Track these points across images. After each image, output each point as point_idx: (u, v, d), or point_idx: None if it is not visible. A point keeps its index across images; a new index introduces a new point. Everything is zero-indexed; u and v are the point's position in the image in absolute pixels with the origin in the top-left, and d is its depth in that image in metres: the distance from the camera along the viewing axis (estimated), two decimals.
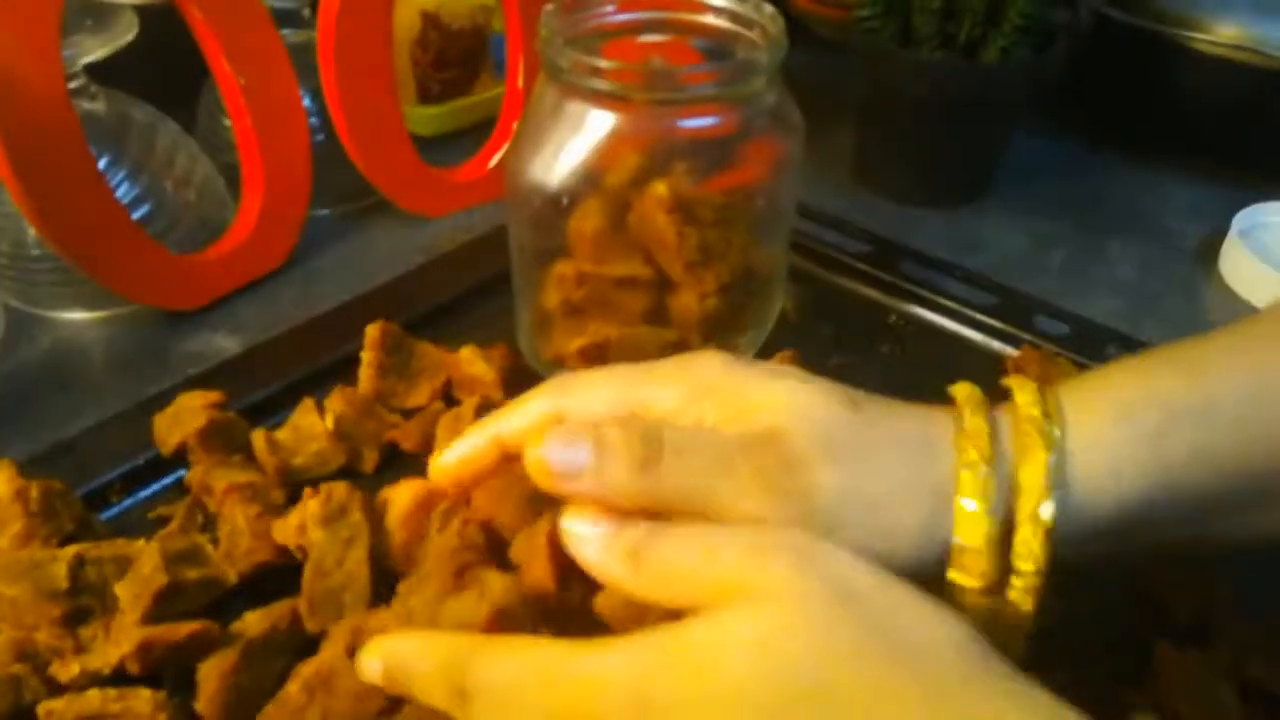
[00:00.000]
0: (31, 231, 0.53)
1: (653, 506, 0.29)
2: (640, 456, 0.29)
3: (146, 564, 0.36)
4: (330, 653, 0.34)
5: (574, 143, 0.45)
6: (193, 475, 0.42)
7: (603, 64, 0.43)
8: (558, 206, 0.45)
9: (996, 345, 0.53)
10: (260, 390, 0.48)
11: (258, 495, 0.40)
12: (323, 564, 0.37)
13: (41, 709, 0.33)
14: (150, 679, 0.35)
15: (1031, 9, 0.58)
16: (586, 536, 0.29)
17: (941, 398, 0.50)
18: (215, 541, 0.40)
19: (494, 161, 0.65)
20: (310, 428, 0.45)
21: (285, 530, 0.39)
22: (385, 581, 0.38)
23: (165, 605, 0.35)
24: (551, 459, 0.29)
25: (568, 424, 0.31)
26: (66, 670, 0.34)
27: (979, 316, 0.54)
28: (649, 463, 0.29)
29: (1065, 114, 0.76)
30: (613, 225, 0.45)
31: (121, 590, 0.36)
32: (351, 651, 0.34)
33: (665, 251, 0.46)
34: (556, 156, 0.45)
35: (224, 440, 0.44)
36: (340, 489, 0.38)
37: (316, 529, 0.38)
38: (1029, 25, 0.59)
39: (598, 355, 0.48)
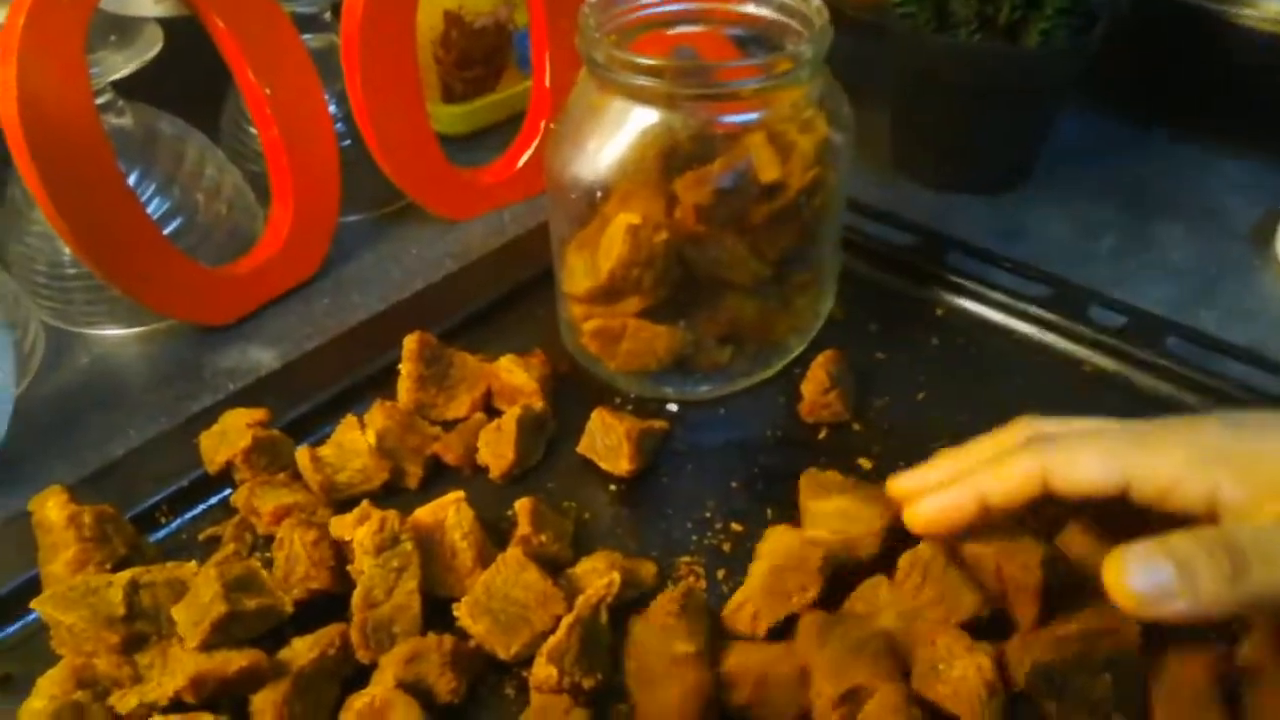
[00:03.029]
0: (66, 250, 0.52)
1: (1244, 612, 0.31)
2: (1228, 570, 0.29)
3: (205, 591, 0.36)
4: (382, 686, 0.34)
5: (615, 138, 0.44)
6: (238, 496, 0.42)
7: (643, 60, 0.42)
8: (599, 200, 0.45)
9: (1050, 338, 0.52)
10: (301, 405, 0.47)
11: (311, 521, 0.39)
12: (372, 594, 0.36)
13: None
14: (209, 704, 0.34)
15: None
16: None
17: (989, 392, 0.49)
18: (266, 562, 0.39)
19: (523, 161, 0.64)
20: (353, 444, 0.44)
21: (342, 526, 0.39)
22: (437, 610, 0.37)
23: (222, 634, 0.35)
24: (1137, 586, 0.30)
25: (1137, 547, 0.30)
26: (125, 703, 0.34)
27: (1030, 309, 0.52)
28: (1240, 572, 0.29)
29: (1109, 93, 0.74)
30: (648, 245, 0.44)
31: (179, 616, 0.36)
32: (402, 684, 0.34)
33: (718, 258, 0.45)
34: (599, 152, 0.44)
35: (269, 458, 0.44)
36: (392, 517, 0.38)
37: (366, 557, 0.37)
38: (1070, 6, 0.57)
39: (610, 338, 0.47)
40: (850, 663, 0.34)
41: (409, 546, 0.37)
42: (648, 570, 0.40)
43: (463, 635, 0.37)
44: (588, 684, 0.35)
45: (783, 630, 0.38)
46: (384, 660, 0.35)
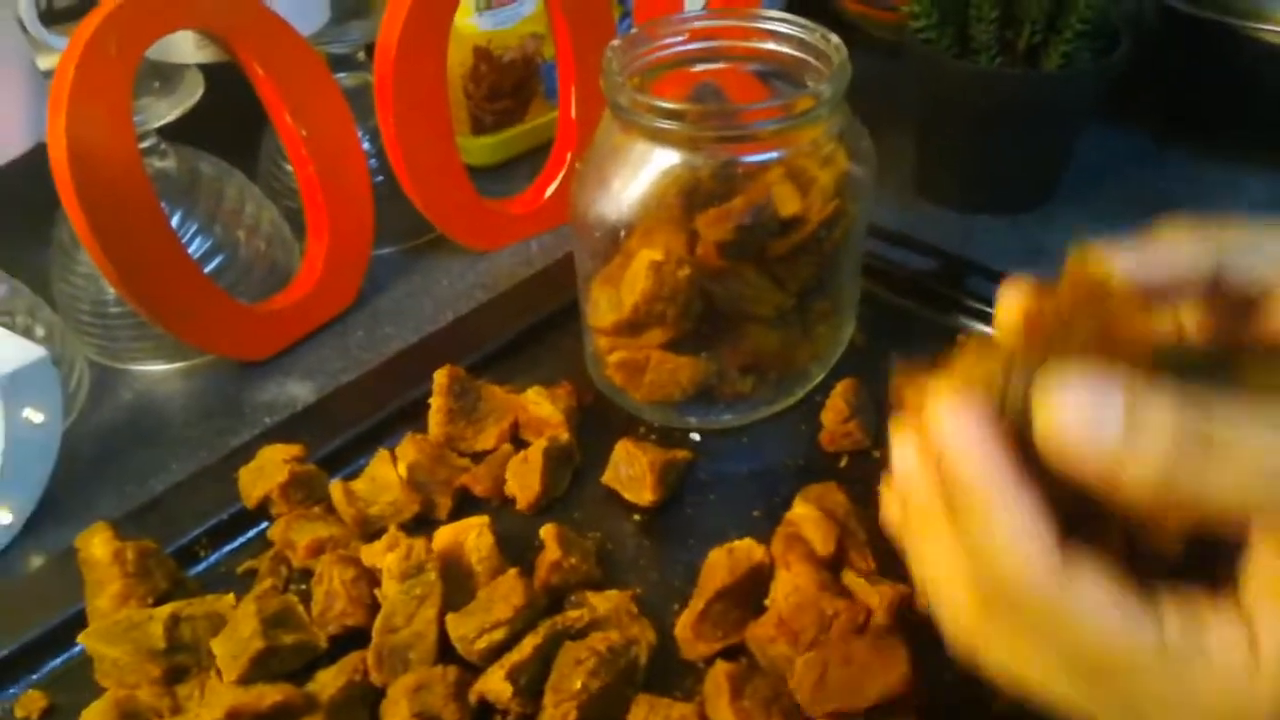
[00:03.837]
0: (110, 290, 0.54)
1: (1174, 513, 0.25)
2: (1190, 457, 0.22)
3: (244, 626, 0.37)
4: (397, 718, 0.35)
5: (638, 178, 0.45)
6: (275, 530, 0.44)
7: (665, 105, 0.43)
8: (622, 238, 0.46)
9: None
10: (335, 439, 0.49)
11: (350, 557, 0.40)
12: (393, 619, 0.38)
13: None
14: None
15: (1093, 13, 0.56)
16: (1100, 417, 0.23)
17: None
18: (301, 595, 0.41)
19: (549, 191, 0.66)
20: (385, 477, 0.46)
21: (372, 554, 0.41)
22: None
23: (260, 668, 0.36)
24: (1067, 408, 0.24)
25: (1099, 370, 0.24)
26: None
27: None
28: (1199, 471, 0.22)
29: (1131, 110, 0.74)
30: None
31: (219, 649, 0.37)
32: (418, 715, 0.35)
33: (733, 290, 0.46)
34: (622, 192, 0.45)
35: (305, 493, 0.45)
36: (419, 546, 0.39)
37: (391, 582, 0.39)
38: (1090, 29, 0.57)
39: (635, 370, 0.48)
40: (761, 718, 0.35)
41: (433, 576, 0.38)
42: (647, 638, 0.40)
43: (468, 667, 0.38)
44: (529, 710, 0.36)
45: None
46: (393, 690, 0.36)
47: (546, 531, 0.42)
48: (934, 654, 0.38)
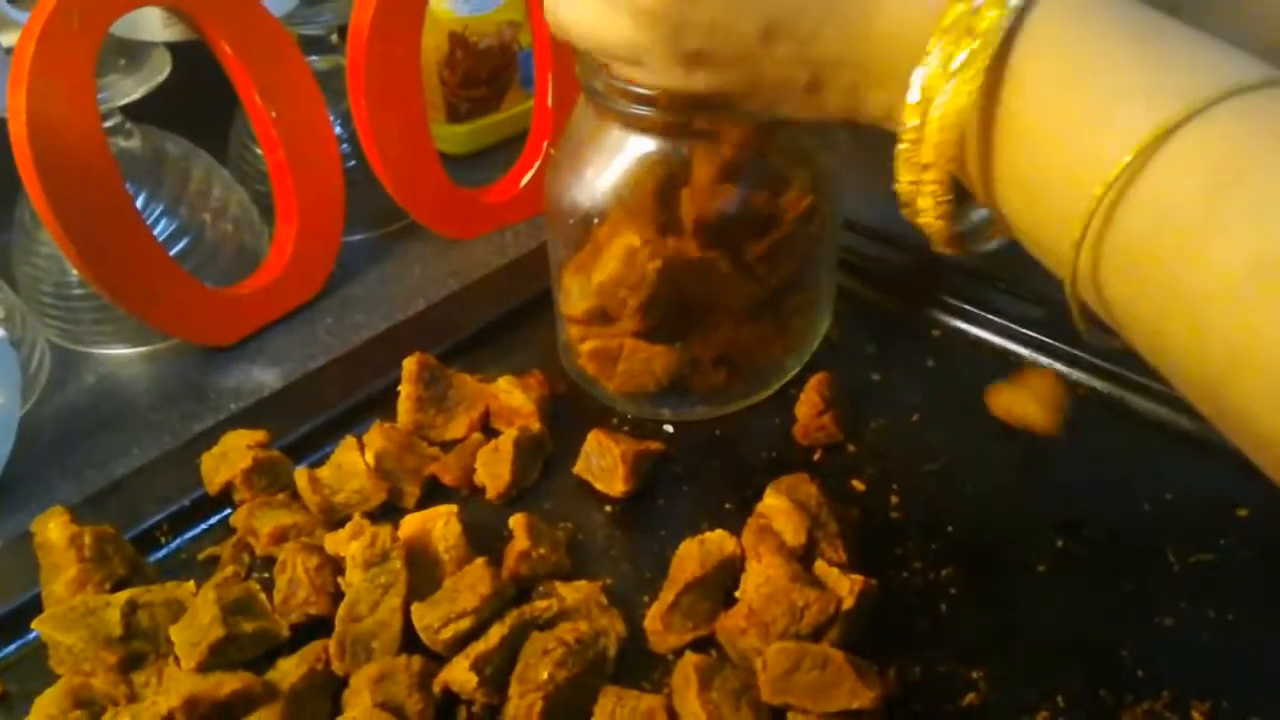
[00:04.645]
0: (73, 271, 0.53)
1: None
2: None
3: (204, 613, 0.36)
4: (361, 708, 0.34)
5: (612, 165, 0.44)
6: (238, 517, 0.43)
7: (641, 90, 0.42)
8: (595, 226, 0.45)
9: (1045, 360, 0.52)
10: (302, 426, 0.48)
11: (313, 545, 0.40)
12: (356, 608, 0.37)
13: None
14: None
15: None
16: None
17: (984, 414, 0.49)
18: (263, 583, 0.40)
19: (525, 180, 0.65)
20: (352, 465, 0.45)
21: (336, 541, 0.40)
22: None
23: (219, 656, 0.36)
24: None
25: None
26: None
27: (1025, 331, 0.53)
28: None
29: None
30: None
31: (177, 636, 0.37)
32: (381, 704, 0.34)
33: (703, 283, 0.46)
34: (596, 179, 0.45)
35: (269, 479, 0.44)
36: (384, 534, 0.38)
37: (355, 570, 0.38)
38: None
39: (607, 359, 0.48)
40: (730, 710, 0.35)
41: (398, 565, 0.38)
42: (616, 630, 0.39)
43: (433, 657, 0.37)
44: (494, 701, 0.36)
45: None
46: (355, 680, 0.36)
47: (516, 521, 0.42)
48: (905, 657, 0.38)
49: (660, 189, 0.44)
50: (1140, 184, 0.24)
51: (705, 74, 0.33)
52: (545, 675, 0.35)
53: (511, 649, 0.36)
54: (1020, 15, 0.26)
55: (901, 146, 0.29)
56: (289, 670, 0.36)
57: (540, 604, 0.39)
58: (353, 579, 0.38)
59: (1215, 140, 0.23)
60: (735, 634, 0.38)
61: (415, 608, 0.37)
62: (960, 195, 0.30)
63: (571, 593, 0.40)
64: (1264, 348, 0.22)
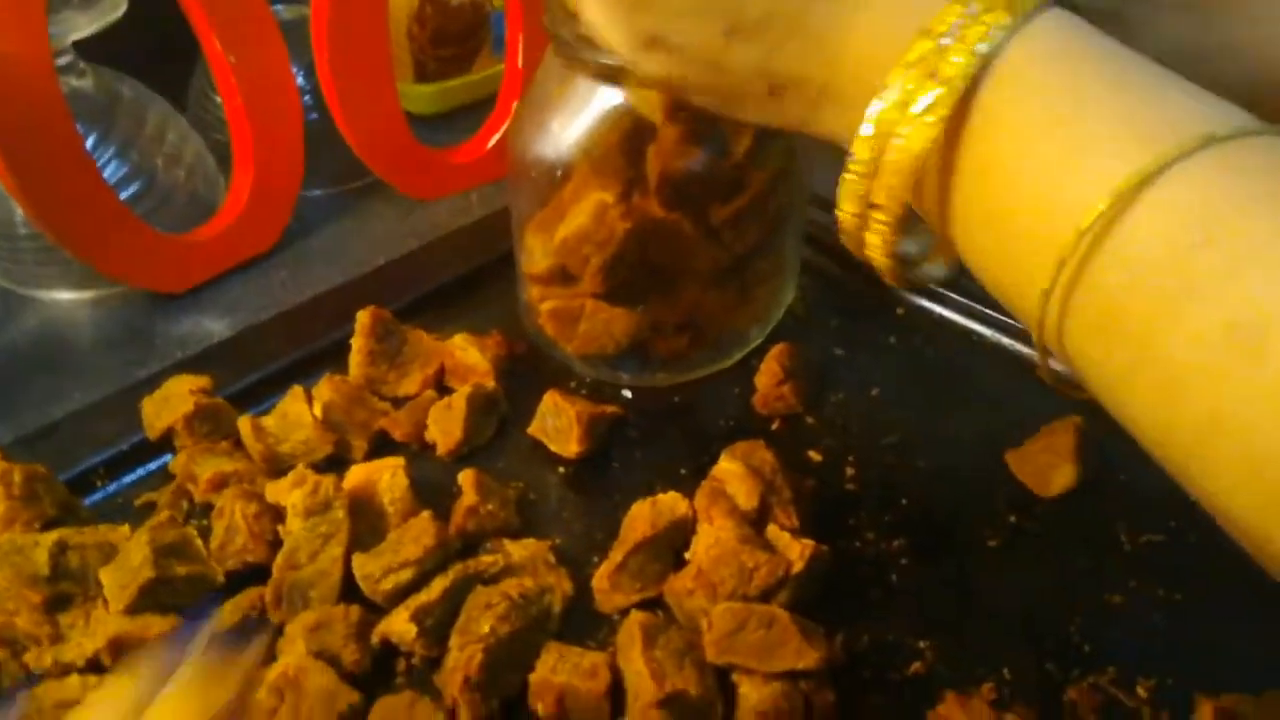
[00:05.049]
0: (19, 210, 0.51)
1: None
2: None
3: (135, 555, 0.35)
4: (295, 655, 0.33)
5: (578, 118, 0.43)
6: (177, 463, 0.42)
7: None
8: (559, 180, 0.44)
9: (1007, 342, 0.51)
10: (249, 375, 0.47)
11: (253, 492, 0.38)
12: (295, 555, 0.36)
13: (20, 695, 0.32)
14: None
15: None
16: None
17: (949, 392, 0.49)
18: (201, 530, 0.39)
19: (493, 142, 0.64)
20: (298, 415, 0.44)
21: (278, 490, 0.39)
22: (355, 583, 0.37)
23: (149, 598, 0.34)
24: None
25: None
26: (40, 660, 0.33)
27: (990, 312, 0.52)
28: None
29: None
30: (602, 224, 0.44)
31: (107, 578, 0.35)
32: (316, 653, 0.33)
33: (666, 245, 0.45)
34: (561, 131, 0.44)
35: (211, 426, 0.43)
36: (327, 483, 0.37)
37: (296, 519, 0.37)
38: None
39: (568, 319, 0.47)
40: (673, 669, 0.34)
41: (340, 514, 0.37)
42: (563, 588, 0.39)
43: (371, 607, 0.36)
44: (434, 654, 0.35)
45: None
46: (291, 628, 0.35)
47: (464, 476, 0.41)
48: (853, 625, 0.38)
49: (626, 143, 0.43)
50: (1114, 236, 0.23)
51: (663, 59, 0.32)
52: (487, 629, 0.34)
53: (454, 602, 0.36)
54: (988, 61, 0.25)
55: (848, 176, 0.28)
56: (222, 617, 0.35)
57: (486, 559, 0.38)
58: (293, 527, 0.37)
59: (1188, 195, 0.23)
60: (683, 595, 0.37)
61: (356, 558, 0.36)
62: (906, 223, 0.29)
63: (519, 550, 0.39)
64: (1237, 416, 0.22)
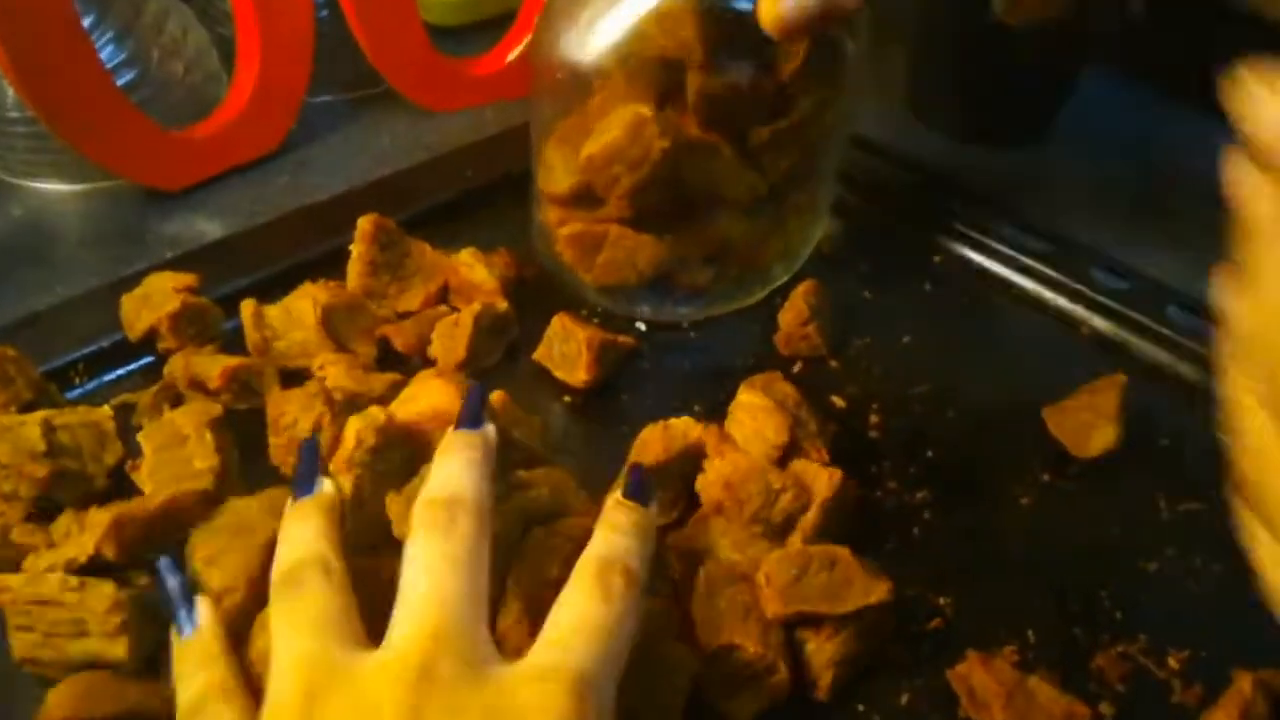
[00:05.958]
0: (10, 91, 0.48)
1: None
2: None
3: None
4: None
5: (614, 13, 0.40)
6: (174, 365, 0.39)
7: None
8: (586, 87, 0.41)
9: (1048, 295, 0.49)
10: (238, 279, 0.44)
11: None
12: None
13: None
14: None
15: None
16: None
17: (985, 344, 0.46)
18: None
19: (513, 55, 0.60)
20: (301, 314, 0.41)
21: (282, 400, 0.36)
22: None
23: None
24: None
25: None
26: (36, 565, 0.30)
27: (1030, 263, 0.49)
28: None
29: (1137, 55, 0.70)
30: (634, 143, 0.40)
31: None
32: None
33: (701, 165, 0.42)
34: (592, 29, 0.40)
35: (197, 327, 0.40)
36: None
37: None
38: None
39: (589, 246, 0.44)
40: (730, 622, 0.32)
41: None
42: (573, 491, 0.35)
43: None
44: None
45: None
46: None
47: (496, 398, 0.37)
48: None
49: (671, 52, 0.39)
50: None
51: None
52: (555, 573, 0.31)
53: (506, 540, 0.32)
54: None
55: None
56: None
57: (531, 494, 0.34)
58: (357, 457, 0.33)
59: None
60: (710, 510, 0.35)
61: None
62: None
63: (542, 479, 0.36)
64: None
